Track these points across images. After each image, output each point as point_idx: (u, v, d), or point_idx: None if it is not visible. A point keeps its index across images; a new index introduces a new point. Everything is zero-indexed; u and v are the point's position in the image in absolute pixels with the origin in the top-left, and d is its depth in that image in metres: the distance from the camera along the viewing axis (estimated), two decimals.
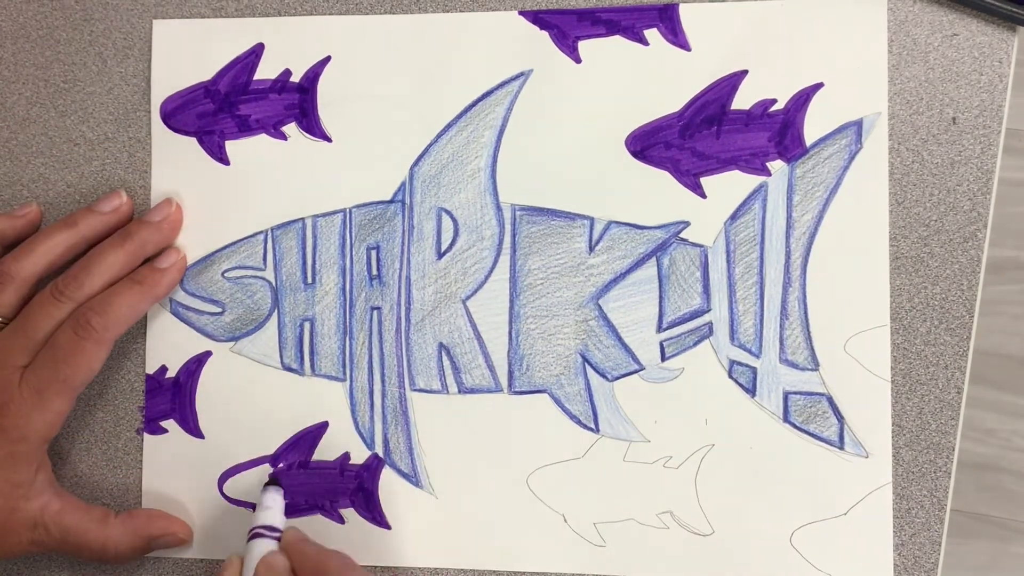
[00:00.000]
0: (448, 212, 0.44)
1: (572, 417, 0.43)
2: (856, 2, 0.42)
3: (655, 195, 0.43)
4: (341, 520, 0.45)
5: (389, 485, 0.44)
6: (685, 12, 0.43)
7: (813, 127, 0.43)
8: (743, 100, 0.43)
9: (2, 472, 0.41)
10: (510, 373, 0.44)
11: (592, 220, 0.44)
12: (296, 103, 0.45)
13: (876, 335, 0.42)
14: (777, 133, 0.43)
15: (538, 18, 0.44)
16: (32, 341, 0.41)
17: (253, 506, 0.45)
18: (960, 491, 0.97)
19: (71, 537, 0.42)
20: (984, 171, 0.42)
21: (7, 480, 0.41)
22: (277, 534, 0.41)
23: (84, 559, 0.44)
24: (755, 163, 0.43)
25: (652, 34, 0.43)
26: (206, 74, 0.46)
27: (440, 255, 0.44)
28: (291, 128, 0.45)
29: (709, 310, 0.43)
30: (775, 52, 0.43)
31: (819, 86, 0.42)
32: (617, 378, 0.43)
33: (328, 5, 0.45)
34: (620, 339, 0.43)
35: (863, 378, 0.42)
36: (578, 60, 0.44)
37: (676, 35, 0.43)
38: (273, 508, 0.41)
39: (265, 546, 0.40)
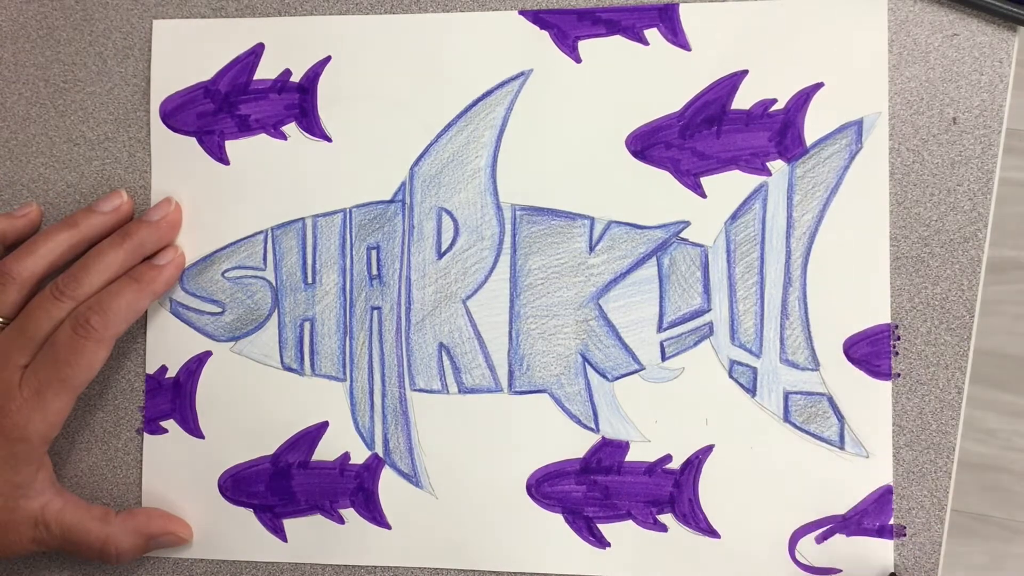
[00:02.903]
0: (448, 212, 0.44)
1: (572, 417, 0.43)
2: (856, 2, 0.42)
3: (655, 195, 0.43)
4: (341, 520, 0.45)
5: (389, 485, 0.44)
6: (685, 12, 0.43)
7: (813, 127, 0.43)
8: (743, 100, 0.43)
9: (3, 473, 0.41)
10: (510, 373, 0.44)
11: (592, 220, 0.44)
12: (296, 103, 0.45)
13: (876, 335, 0.42)
14: (777, 133, 0.43)
15: (538, 18, 0.44)
16: (32, 341, 0.41)
17: (253, 507, 0.45)
18: (960, 491, 0.97)
19: (72, 536, 0.42)
20: (984, 171, 0.42)
21: (8, 481, 0.41)
22: None
23: (85, 558, 0.44)
24: (755, 163, 0.43)
25: (652, 34, 0.43)
26: (206, 74, 0.46)
27: (440, 255, 0.44)
28: (291, 128, 0.45)
29: (709, 310, 0.43)
30: (775, 52, 0.43)
31: (819, 86, 0.42)
32: (617, 378, 0.43)
33: (328, 5, 0.45)
34: (620, 339, 0.43)
35: (863, 378, 0.42)
36: (578, 60, 0.44)
37: (676, 35, 0.43)
38: None
39: None
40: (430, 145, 0.44)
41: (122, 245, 0.43)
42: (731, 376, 0.43)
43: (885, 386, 0.42)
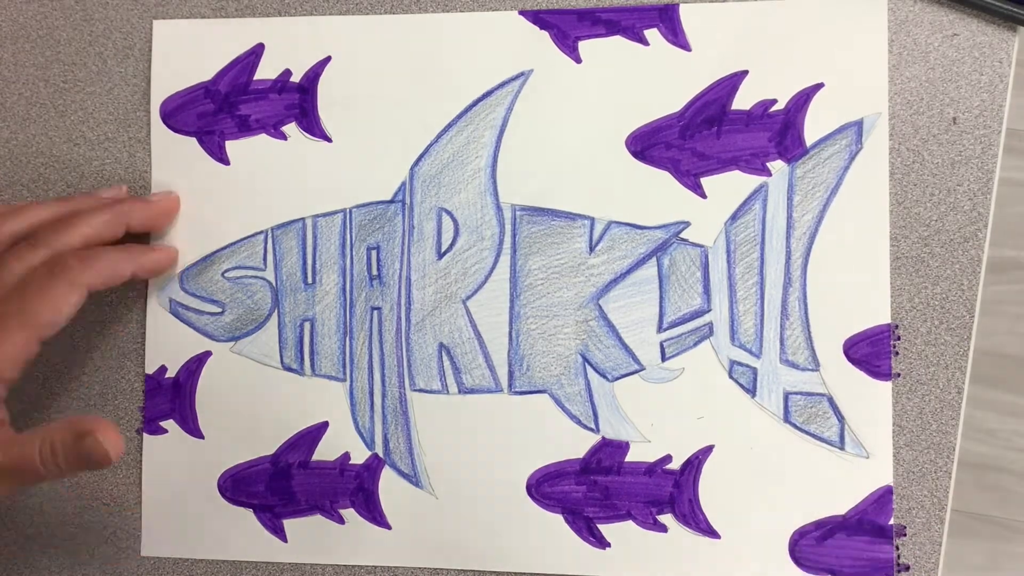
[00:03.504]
0: (448, 212, 0.44)
1: (572, 417, 0.43)
2: (856, 2, 0.42)
3: (655, 195, 0.43)
4: (341, 520, 0.45)
5: (389, 485, 0.44)
6: (685, 12, 0.43)
7: (813, 127, 0.43)
8: (743, 100, 0.43)
9: None
10: (510, 373, 0.44)
11: (592, 220, 0.44)
12: (296, 103, 0.45)
13: (876, 335, 0.42)
14: (777, 133, 0.43)
15: (538, 18, 0.44)
16: (2, 282, 0.39)
17: (253, 507, 0.45)
18: (960, 491, 0.97)
19: (12, 454, 0.38)
20: (984, 171, 0.42)
21: None
22: None
23: (34, 479, 0.38)
24: (755, 163, 0.43)
25: (652, 34, 0.43)
26: (206, 74, 0.46)
27: (440, 255, 0.44)
28: (291, 128, 0.45)
29: (709, 310, 0.43)
30: (775, 52, 0.43)
31: (819, 86, 0.42)
32: (617, 378, 0.43)
33: (328, 5, 0.45)
34: (620, 339, 0.43)
35: (863, 378, 0.42)
36: (578, 60, 0.44)
37: (676, 35, 0.43)
38: None
39: None
40: (430, 145, 0.44)
41: (109, 208, 0.42)
42: (731, 376, 0.43)
43: (885, 386, 0.42)
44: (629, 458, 0.43)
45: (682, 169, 0.43)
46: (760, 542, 0.42)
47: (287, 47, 0.45)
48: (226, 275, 0.45)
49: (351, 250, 0.45)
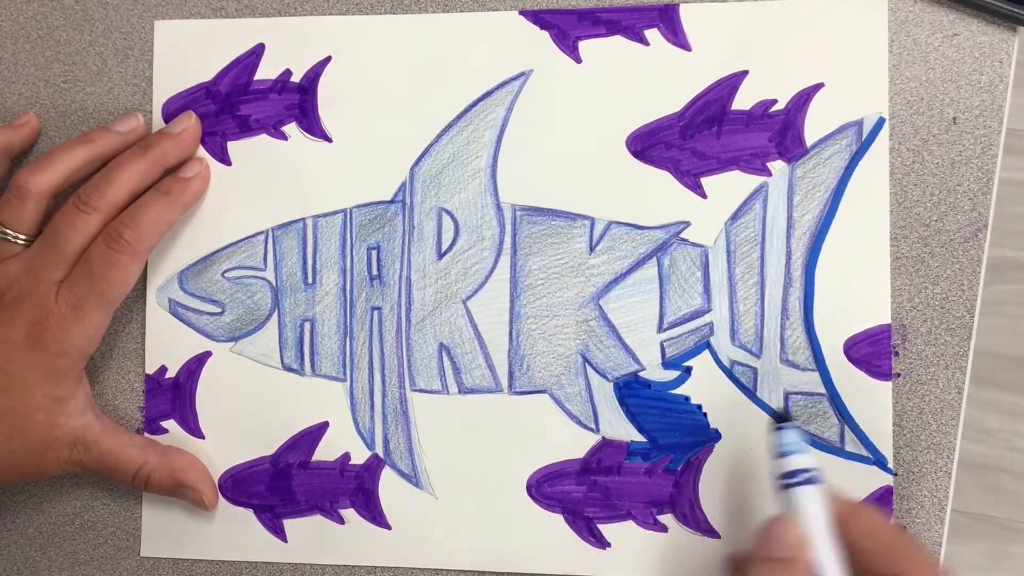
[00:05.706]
0: (448, 212, 0.44)
1: (572, 417, 0.43)
2: (856, 2, 0.42)
3: (655, 195, 0.43)
4: (341, 520, 0.45)
5: (389, 485, 0.44)
6: (685, 12, 0.43)
7: (813, 127, 0.43)
8: (743, 100, 0.43)
9: (43, 387, 0.41)
10: (510, 373, 0.44)
11: (592, 220, 0.44)
12: (296, 103, 0.45)
13: (876, 335, 0.42)
14: (778, 133, 0.43)
15: (538, 18, 0.44)
16: (63, 255, 0.41)
17: (253, 507, 0.45)
18: (960, 491, 0.97)
19: (109, 459, 0.42)
20: (984, 171, 0.42)
21: (48, 395, 0.41)
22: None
23: (117, 482, 0.44)
24: (756, 163, 0.43)
25: (652, 34, 0.43)
26: (207, 75, 0.46)
27: (440, 255, 0.44)
28: (291, 128, 0.45)
29: (710, 310, 0.43)
30: (775, 52, 0.43)
31: (819, 86, 0.42)
32: (618, 378, 0.43)
33: (328, 5, 0.45)
34: (620, 339, 0.43)
35: (864, 378, 0.42)
36: (578, 60, 0.44)
37: (676, 35, 0.43)
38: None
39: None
40: (430, 145, 0.44)
41: (144, 155, 0.43)
42: (731, 376, 0.43)
43: (885, 386, 0.42)
44: (629, 458, 0.43)
45: (682, 169, 0.43)
46: None
47: (287, 47, 0.45)
48: (226, 275, 0.45)
49: (351, 250, 0.45)
